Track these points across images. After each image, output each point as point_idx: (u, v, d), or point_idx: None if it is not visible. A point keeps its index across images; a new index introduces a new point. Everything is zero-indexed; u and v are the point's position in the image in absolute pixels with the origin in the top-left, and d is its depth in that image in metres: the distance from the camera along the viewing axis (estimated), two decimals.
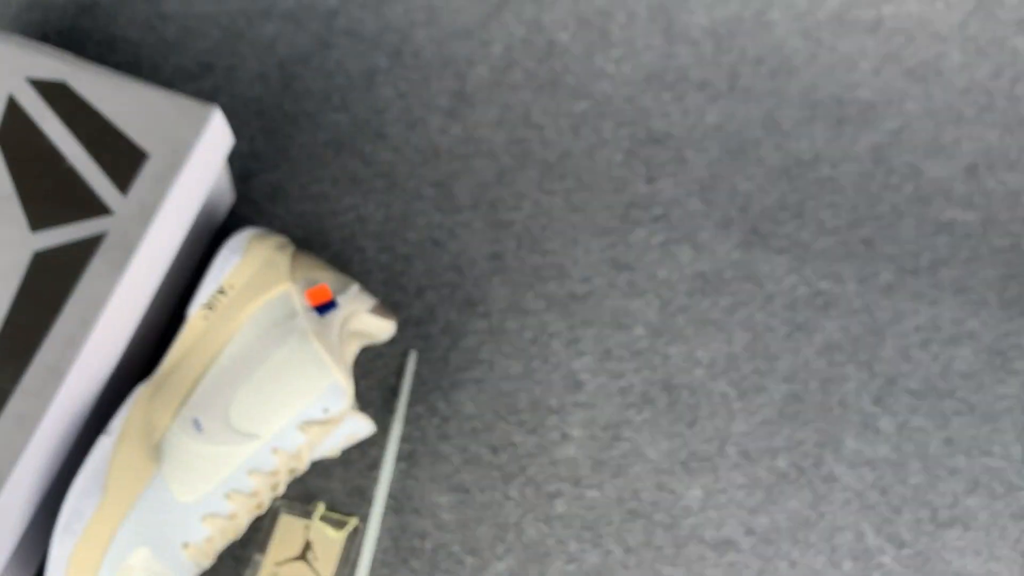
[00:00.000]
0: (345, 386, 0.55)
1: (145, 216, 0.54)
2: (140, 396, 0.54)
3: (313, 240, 0.68)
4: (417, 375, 0.65)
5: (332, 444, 0.58)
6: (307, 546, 0.59)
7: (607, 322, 0.68)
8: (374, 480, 0.62)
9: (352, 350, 0.61)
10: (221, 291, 0.57)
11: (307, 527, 0.60)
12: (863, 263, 0.71)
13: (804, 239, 0.72)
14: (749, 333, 0.68)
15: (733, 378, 0.67)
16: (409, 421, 0.64)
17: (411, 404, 0.64)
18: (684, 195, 0.72)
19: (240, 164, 0.70)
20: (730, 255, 0.71)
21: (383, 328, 0.60)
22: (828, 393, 0.67)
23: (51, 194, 0.54)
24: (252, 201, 0.69)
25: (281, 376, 0.54)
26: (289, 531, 0.59)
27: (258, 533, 0.59)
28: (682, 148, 0.73)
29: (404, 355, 0.65)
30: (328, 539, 0.60)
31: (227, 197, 0.66)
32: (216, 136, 0.58)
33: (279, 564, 0.58)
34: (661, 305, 0.68)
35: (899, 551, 0.63)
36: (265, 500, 0.56)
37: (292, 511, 0.60)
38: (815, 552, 0.63)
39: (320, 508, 0.60)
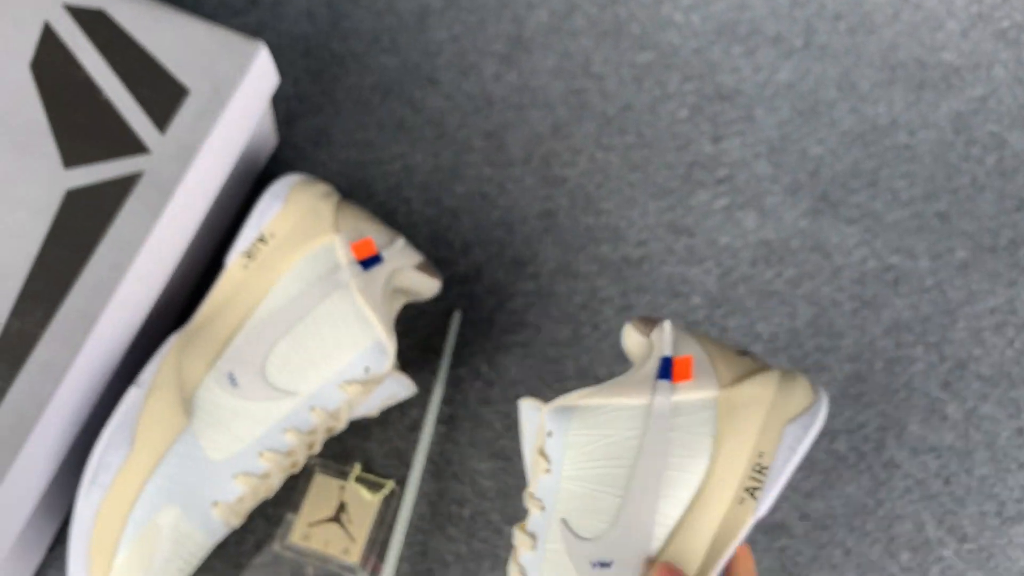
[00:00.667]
0: (388, 345, 0.52)
1: (184, 156, 0.51)
2: (173, 346, 0.51)
3: (357, 189, 0.65)
4: (460, 336, 0.62)
5: (372, 404, 0.55)
6: (341, 507, 0.57)
7: (662, 289, 0.64)
8: (413, 442, 0.59)
9: (395, 307, 0.58)
10: (262, 239, 0.54)
11: (342, 488, 0.57)
12: (937, 238, 0.67)
13: (876, 209, 0.67)
14: (813, 307, 0.64)
15: (794, 354, 0.63)
16: (451, 384, 0.61)
17: (453, 366, 0.61)
18: (751, 157, 0.67)
19: (284, 106, 0.66)
20: (797, 223, 0.66)
21: (428, 286, 0.57)
22: (893, 375, 0.63)
23: (86, 129, 0.51)
24: (295, 146, 0.65)
25: (322, 332, 0.52)
26: (324, 491, 0.57)
27: (291, 492, 0.57)
28: (751, 106, 0.69)
29: (448, 315, 0.62)
30: (363, 501, 0.57)
31: (270, 140, 0.63)
32: (261, 74, 0.55)
33: (312, 524, 0.56)
34: (721, 274, 0.65)
35: (961, 545, 0.60)
36: (300, 459, 0.54)
37: (327, 471, 0.57)
38: (871, 541, 0.60)
39: (356, 469, 0.58)
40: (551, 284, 0.64)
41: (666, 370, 0.46)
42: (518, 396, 0.61)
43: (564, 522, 0.44)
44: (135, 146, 0.51)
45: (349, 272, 0.53)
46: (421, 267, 0.57)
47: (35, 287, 0.48)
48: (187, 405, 0.50)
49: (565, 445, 0.45)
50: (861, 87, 0.70)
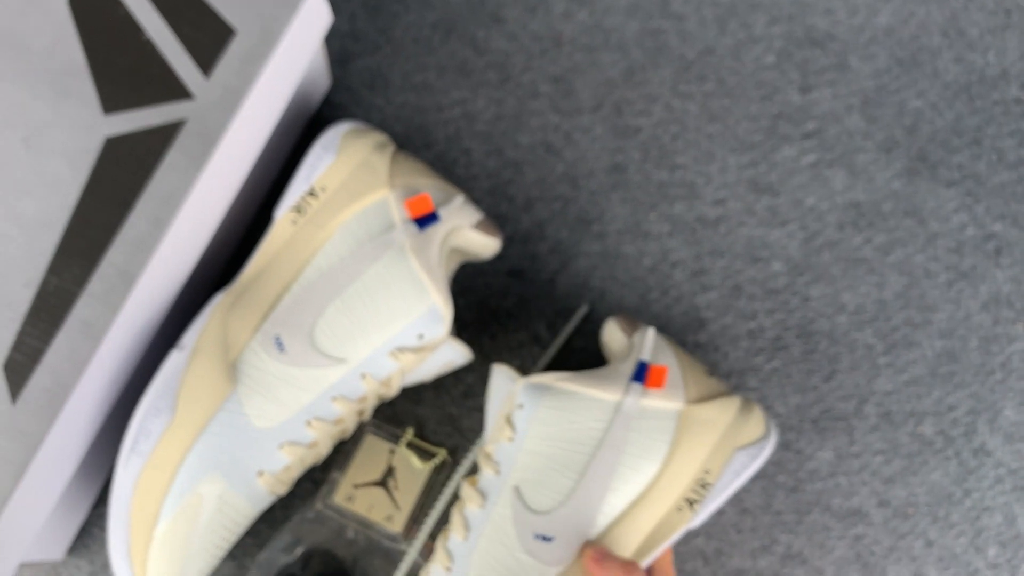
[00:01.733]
0: (444, 311, 0.49)
1: (230, 102, 0.48)
2: (218, 307, 0.48)
3: (414, 137, 0.61)
4: (519, 296, 0.58)
5: (425, 371, 0.52)
6: (389, 472, 0.54)
7: (740, 253, 0.59)
8: (467, 410, 0.56)
9: (451, 268, 0.55)
10: (312, 193, 0.50)
11: (392, 452, 0.55)
12: None
13: (979, 171, 0.61)
14: (905, 277, 0.59)
15: (881, 328, 0.58)
16: (510, 349, 0.57)
17: (513, 330, 0.58)
18: (843, 109, 0.61)
19: (338, 45, 0.62)
20: (891, 184, 0.61)
21: (487, 246, 0.53)
22: (990, 354, 0.58)
23: (126, 72, 0.48)
24: (349, 88, 0.61)
25: (374, 296, 0.48)
26: (373, 454, 0.55)
27: (338, 454, 0.55)
28: (845, 53, 0.62)
29: (508, 275, 0.59)
30: (413, 468, 0.55)
31: (322, 82, 0.59)
32: (313, 13, 0.50)
33: (357, 486, 0.54)
34: (805, 238, 0.59)
35: None
36: (350, 426, 0.51)
37: (379, 433, 0.55)
38: (957, 533, 0.55)
39: (409, 434, 0.55)
40: (618, 245, 0.59)
41: (641, 374, 0.48)
42: (580, 367, 0.57)
43: (517, 490, 0.47)
44: (178, 91, 0.48)
45: (404, 232, 0.49)
46: (480, 226, 0.53)
47: (73, 242, 0.45)
48: (232, 370, 0.47)
49: (533, 420, 0.47)
50: (970, 33, 0.63)
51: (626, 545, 0.46)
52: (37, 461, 0.43)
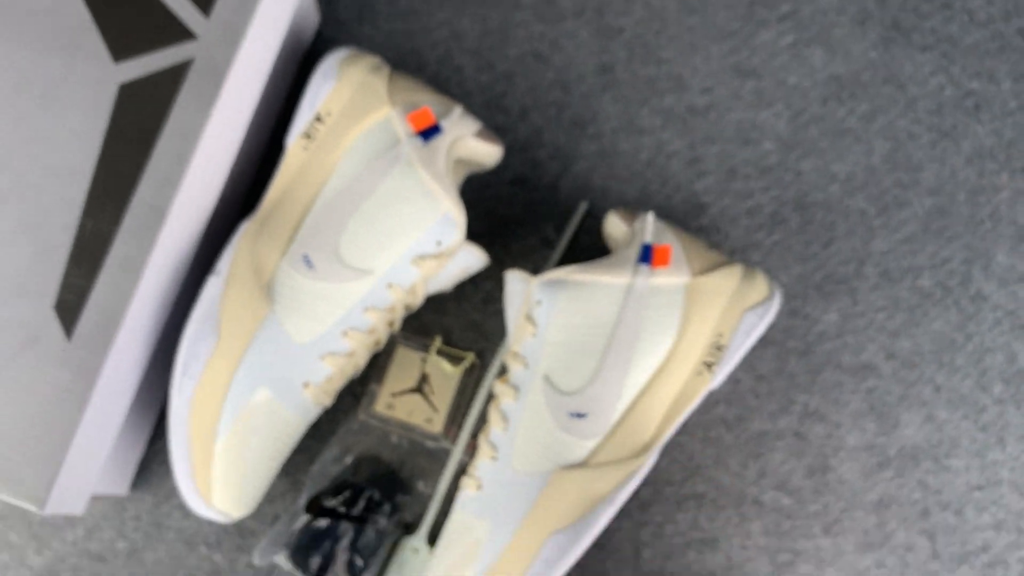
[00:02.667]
0: (457, 217, 0.51)
1: (231, 39, 0.50)
2: (245, 233, 0.51)
3: (406, 61, 0.63)
4: (525, 203, 0.61)
5: (446, 278, 0.54)
6: (423, 379, 0.58)
7: (731, 137, 0.62)
8: (489, 315, 0.59)
9: (458, 179, 0.57)
10: (318, 119, 0.53)
11: (424, 360, 0.58)
12: (1020, 57, 0.63)
13: (952, 33, 0.63)
14: (890, 142, 0.62)
15: (872, 193, 0.61)
16: (522, 253, 0.60)
17: (522, 236, 0.60)
18: None
19: None
20: (868, 55, 0.63)
21: (490, 154, 0.56)
22: (978, 205, 0.61)
23: (131, 21, 0.50)
24: (338, 21, 0.63)
25: (390, 209, 0.51)
26: (406, 364, 0.58)
27: (374, 368, 0.58)
28: None
29: (511, 183, 0.61)
30: (444, 373, 0.58)
31: (312, 18, 0.61)
32: None
33: (395, 395, 0.57)
34: (791, 116, 0.62)
35: None
36: (383, 336, 0.54)
37: (409, 344, 0.58)
38: (962, 376, 0.59)
39: (437, 342, 0.58)
40: (615, 143, 0.62)
41: (646, 255, 0.51)
42: (589, 260, 0.60)
43: (546, 378, 0.50)
44: (182, 33, 0.50)
45: (409, 145, 0.52)
46: (481, 134, 0.55)
47: (102, 186, 0.48)
48: (267, 291, 0.50)
49: (551, 313, 0.50)
50: None
51: (653, 413, 0.49)
52: (97, 390, 0.46)
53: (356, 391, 0.58)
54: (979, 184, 0.61)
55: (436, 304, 0.59)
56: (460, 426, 0.57)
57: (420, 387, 0.57)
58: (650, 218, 0.53)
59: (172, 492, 0.57)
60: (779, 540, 0.57)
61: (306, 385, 0.50)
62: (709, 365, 0.50)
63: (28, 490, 0.45)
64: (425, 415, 0.57)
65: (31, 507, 0.45)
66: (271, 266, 0.50)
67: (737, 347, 0.50)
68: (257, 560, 0.54)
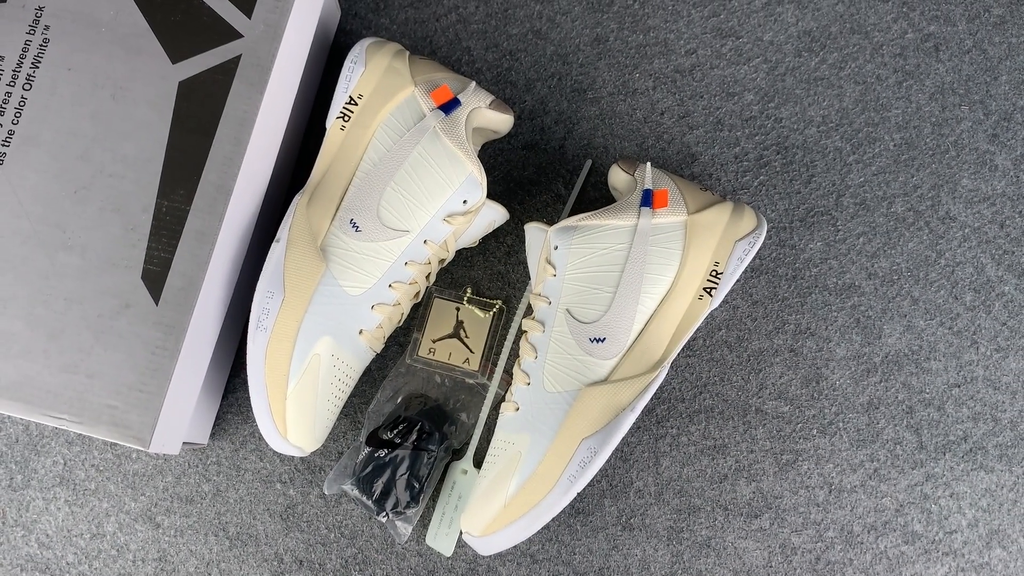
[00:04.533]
0: (479, 177, 0.59)
1: (273, 34, 0.57)
2: (299, 204, 0.58)
3: (420, 46, 0.70)
4: (536, 165, 0.68)
5: (472, 233, 0.62)
6: (459, 325, 0.65)
7: (716, 92, 0.69)
8: (512, 265, 0.67)
9: (476, 147, 0.64)
10: (351, 101, 0.60)
11: (458, 309, 0.65)
12: (972, 0, 0.70)
13: None
14: (859, 86, 0.69)
15: (846, 132, 0.68)
16: (537, 209, 0.67)
17: (535, 194, 0.68)
18: None
19: None
20: (835, 9, 0.70)
21: (503, 121, 0.63)
22: (942, 136, 0.68)
23: (183, 26, 0.57)
24: (357, 15, 0.70)
25: (420, 174, 0.58)
26: (442, 313, 0.65)
27: (415, 319, 0.65)
28: None
29: (523, 149, 0.68)
30: (477, 319, 0.65)
31: (335, 12, 0.68)
32: None
33: (436, 341, 0.64)
34: (769, 69, 0.69)
35: (1020, 280, 0.66)
36: (421, 288, 0.61)
37: (444, 296, 0.65)
38: (936, 288, 0.66)
39: (468, 292, 0.66)
40: (612, 105, 0.69)
41: (647, 199, 0.58)
42: (597, 208, 0.67)
43: (567, 311, 0.57)
44: (229, 33, 0.57)
45: (433, 118, 0.59)
46: (494, 105, 0.63)
47: (173, 170, 0.55)
48: (321, 252, 0.57)
49: (568, 255, 0.57)
50: None
51: (663, 333, 0.57)
52: (185, 346, 0.54)
53: (401, 340, 0.65)
54: (942, 117, 0.68)
55: (465, 259, 0.67)
56: (494, 363, 0.65)
57: (457, 332, 0.65)
58: (648, 167, 0.60)
59: (248, 439, 0.64)
60: (781, 443, 0.64)
61: (361, 332, 0.58)
62: (709, 290, 0.57)
63: (135, 432, 0.52)
64: (463, 356, 0.64)
65: (137, 446, 0.52)
66: (323, 231, 0.58)
67: (732, 272, 0.57)
68: (327, 490, 0.62)
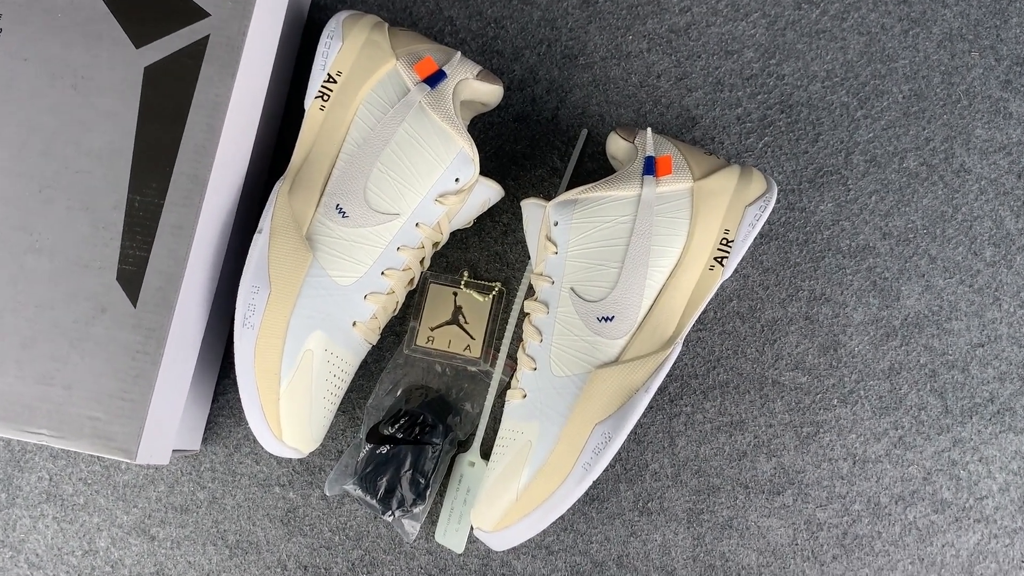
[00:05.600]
0: (471, 153, 0.55)
1: (242, 12, 0.53)
2: (280, 192, 0.55)
3: (399, 19, 0.66)
4: (529, 138, 0.65)
5: (466, 213, 0.59)
6: (457, 310, 0.62)
7: (714, 51, 0.65)
8: (509, 245, 0.63)
9: (465, 120, 0.61)
10: (330, 79, 0.56)
11: (455, 294, 0.62)
12: None
13: None
14: (864, 37, 0.65)
15: (852, 86, 0.65)
16: (533, 184, 0.64)
17: (531, 168, 0.64)
18: None
19: None
20: None
21: (492, 92, 0.60)
22: (952, 85, 0.65)
23: (146, 8, 0.53)
24: None
25: (408, 152, 0.55)
26: (439, 299, 0.62)
27: (410, 307, 0.62)
28: None
29: (514, 121, 0.65)
30: (476, 303, 0.62)
31: None
32: None
33: (434, 329, 0.61)
34: (768, 23, 0.66)
35: None
36: (416, 274, 0.58)
37: (440, 281, 0.62)
38: (954, 244, 0.63)
39: (465, 276, 0.62)
40: (605, 70, 0.65)
41: (650, 167, 0.55)
42: (596, 180, 0.64)
43: (572, 290, 0.54)
44: (195, 12, 0.53)
45: (418, 92, 0.55)
46: (481, 76, 0.59)
47: (143, 163, 0.52)
48: (307, 241, 0.54)
49: (569, 231, 0.54)
50: None
51: (675, 307, 0.54)
52: (167, 349, 0.50)
53: (397, 330, 0.62)
54: (952, 65, 0.65)
55: (460, 241, 0.63)
56: (497, 349, 0.61)
57: (455, 318, 0.62)
58: (649, 132, 0.57)
59: (242, 442, 0.61)
60: (801, 415, 0.61)
61: (354, 324, 0.55)
62: (720, 259, 0.54)
63: (119, 444, 0.49)
64: (463, 343, 0.61)
65: (123, 459, 0.49)
66: (308, 218, 0.54)
67: (743, 240, 0.54)
68: (328, 491, 0.59)
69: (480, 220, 0.64)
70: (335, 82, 0.56)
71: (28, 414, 0.49)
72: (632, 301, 0.53)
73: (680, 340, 0.53)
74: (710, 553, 0.60)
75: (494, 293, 0.62)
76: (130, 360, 0.50)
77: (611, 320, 0.53)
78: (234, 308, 0.60)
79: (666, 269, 0.54)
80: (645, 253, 0.53)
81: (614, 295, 0.53)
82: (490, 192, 0.58)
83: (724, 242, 0.54)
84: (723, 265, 0.54)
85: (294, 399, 0.53)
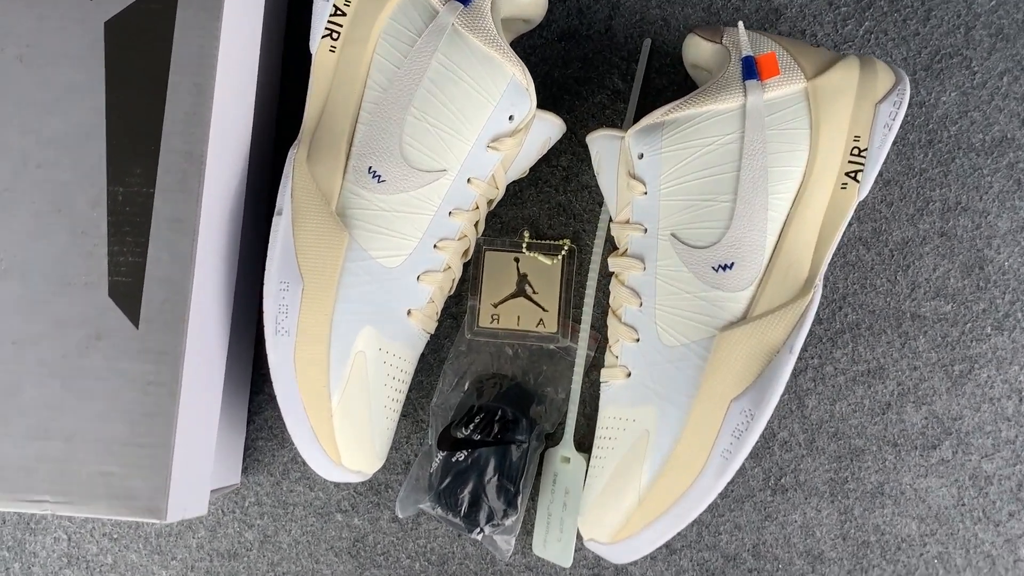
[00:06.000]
0: (525, 81, 0.44)
1: None
2: (296, 160, 0.44)
3: None
4: (581, 58, 0.53)
5: (524, 159, 0.48)
6: (522, 279, 0.51)
7: None
8: (573, 192, 0.52)
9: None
10: (337, 12, 0.45)
11: (517, 260, 0.51)
12: None
13: None
14: None
15: None
16: (593, 114, 0.53)
17: (588, 95, 0.53)
18: None
19: None
20: None
21: (535, 4, 0.48)
22: None
23: None
24: None
25: (447, 90, 0.43)
26: (499, 269, 0.51)
27: (465, 284, 0.51)
28: None
29: (560, 40, 0.54)
30: (544, 267, 0.51)
31: None
32: None
33: (497, 305, 0.51)
34: None
35: None
36: (471, 242, 0.47)
37: (496, 247, 0.51)
38: None
39: (526, 237, 0.52)
40: None
41: (751, 69, 0.44)
42: (672, 99, 0.53)
43: (674, 236, 0.44)
44: None
45: (449, 12, 0.44)
46: None
47: (121, 144, 0.41)
48: (339, 218, 0.43)
49: (660, 163, 0.44)
50: None
51: (806, 240, 0.43)
52: (185, 375, 0.40)
53: (453, 311, 0.52)
54: None
55: (513, 196, 0.53)
56: (576, 319, 0.51)
57: (521, 289, 0.51)
58: (741, 27, 0.45)
59: (289, 467, 0.51)
60: (950, 351, 0.51)
61: (409, 312, 0.44)
62: (853, 174, 0.43)
63: (143, 503, 0.39)
64: (535, 317, 0.51)
65: (150, 519, 0.39)
66: (336, 189, 0.43)
67: (879, 146, 0.43)
68: (400, 513, 0.49)
69: (534, 168, 0.53)
70: (343, 15, 0.45)
71: (24, 479, 0.39)
72: (754, 240, 0.42)
73: (820, 281, 0.42)
74: (862, 528, 0.50)
75: (563, 253, 0.51)
76: (140, 395, 0.40)
77: (730, 268, 0.42)
78: (261, 311, 0.50)
79: (789, 195, 0.43)
80: (762, 177, 0.43)
81: (730, 236, 0.42)
82: (551, 129, 0.47)
83: (856, 151, 0.43)
84: (858, 181, 0.43)
85: (350, 414, 0.43)
